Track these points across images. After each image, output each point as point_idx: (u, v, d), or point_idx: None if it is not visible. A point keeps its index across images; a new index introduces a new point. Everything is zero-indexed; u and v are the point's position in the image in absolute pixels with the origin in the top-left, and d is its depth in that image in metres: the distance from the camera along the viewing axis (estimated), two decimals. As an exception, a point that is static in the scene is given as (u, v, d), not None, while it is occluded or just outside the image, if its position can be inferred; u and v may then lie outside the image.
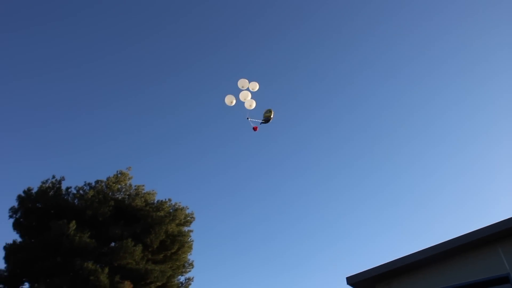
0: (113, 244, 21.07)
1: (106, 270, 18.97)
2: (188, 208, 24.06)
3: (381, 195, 62.18)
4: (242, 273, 58.09)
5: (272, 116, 14.95)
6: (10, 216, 21.33)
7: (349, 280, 19.03)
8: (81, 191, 22.46)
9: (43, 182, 22.25)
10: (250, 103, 15.20)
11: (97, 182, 22.84)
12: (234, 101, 15.16)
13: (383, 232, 61.18)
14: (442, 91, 53.64)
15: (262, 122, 15.02)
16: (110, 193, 22.73)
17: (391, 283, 18.21)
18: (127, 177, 23.71)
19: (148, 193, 23.94)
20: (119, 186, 23.35)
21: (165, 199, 23.59)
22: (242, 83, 15.01)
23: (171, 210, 23.02)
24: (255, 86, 15.16)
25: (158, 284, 21.11)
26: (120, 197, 23.06)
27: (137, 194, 23.48)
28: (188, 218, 24.11)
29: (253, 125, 14.92)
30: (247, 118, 14.79)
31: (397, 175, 61.84)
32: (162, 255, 22.33)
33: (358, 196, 62.70)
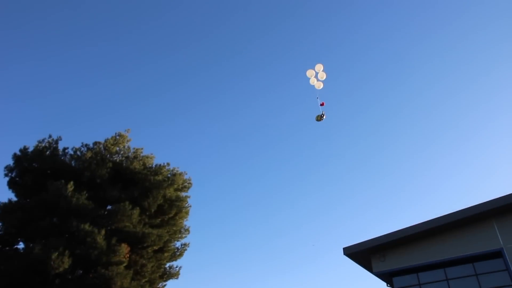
0: (110, 207, 20.90)
1: (103, 232, 18.88)
2: (186, 174, 23.83)
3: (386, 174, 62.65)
4: (242, 231, 59.34)
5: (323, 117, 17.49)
6: (6, 175, 21.09)
7: (346, 250, 19.32)
8: (78, 152, 22.12)
9: (39, 142, 21.92)
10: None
11: (95, 143, 22.42)
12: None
13: (378, 203, 61.96)
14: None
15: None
16: (108, 155, 22.34)
17: (386, 255, 18.46)
18: (126, 139, 23.28)
19: (147, 157, 23.62)
20: (117, 148, 22.95)
21: (164, 163, 23.20)
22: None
23: (169, 175, 22.72)
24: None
25: (155, 248, 21.21)
26: (118, 160, 22.74)
27: (135, 157, 23.15)
28: (186, 183, 23.84)
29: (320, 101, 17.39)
30: (317, 98, 17.37)
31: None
32: (159, 219, 22.24)
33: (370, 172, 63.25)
